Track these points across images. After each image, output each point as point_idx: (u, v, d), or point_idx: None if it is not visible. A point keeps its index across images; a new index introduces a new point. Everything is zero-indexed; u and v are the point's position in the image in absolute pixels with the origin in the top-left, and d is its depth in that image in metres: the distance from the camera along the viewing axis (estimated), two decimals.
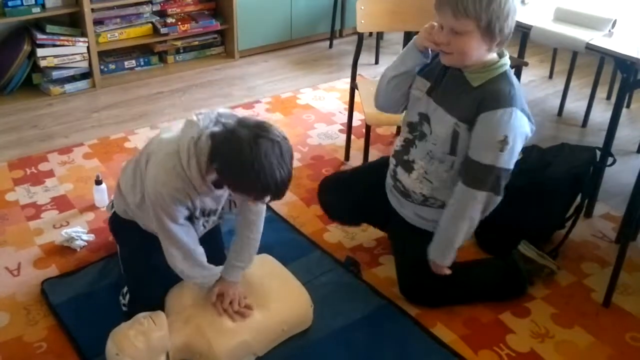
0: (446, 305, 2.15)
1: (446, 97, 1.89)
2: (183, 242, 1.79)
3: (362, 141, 3.16)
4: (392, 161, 2.11)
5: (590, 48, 2.38)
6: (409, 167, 2.03)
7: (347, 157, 3.08)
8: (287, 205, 2.71)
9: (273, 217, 2.62)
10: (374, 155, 3.06)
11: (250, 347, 1.88)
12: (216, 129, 1.61)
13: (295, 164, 2.97)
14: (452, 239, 1.95)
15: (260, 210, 1.96)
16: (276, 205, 2.69)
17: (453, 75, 1.87)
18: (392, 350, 1.99)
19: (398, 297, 2.20)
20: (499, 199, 1.87)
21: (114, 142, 3.20)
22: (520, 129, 1.78)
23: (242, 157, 1.50)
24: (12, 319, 2.09)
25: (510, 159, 1.79)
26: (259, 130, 1.52)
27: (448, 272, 2.02)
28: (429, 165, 1.96)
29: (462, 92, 1.84)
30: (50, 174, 2.92)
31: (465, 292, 2.14)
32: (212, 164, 1.61)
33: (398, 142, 2.09)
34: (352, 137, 3.09)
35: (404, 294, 2.17)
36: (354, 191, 2.26)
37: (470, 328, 2.08)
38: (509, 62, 1.84)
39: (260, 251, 2.22)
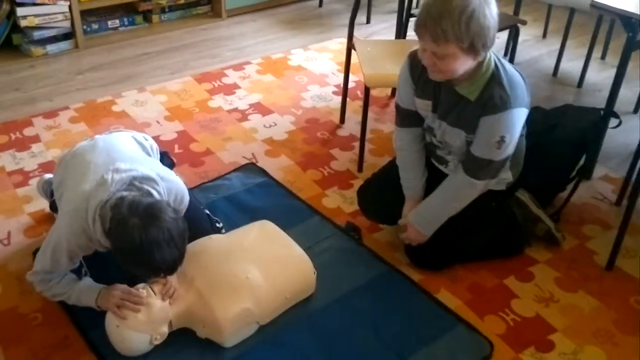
0: (450, 263, 2.11)
1: (449, 113, 1.88)
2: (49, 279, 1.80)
3: (356, 103, 3.10)
4: (427, 145, 2.08)
5: (595, 6, 2.30)
6: (443, 161, 2.05)
7: (342, 120, 2.99)
8: (282, 170, 2.63)
9: (269, 182, 2.55)
10: (370, 117, 2.98)
11: (253, 315, 1.83)
12: (125, 195, 1.63)
13: (289, 127, 2.93)
14: (441, 215, 2.00)
15: None
16: (272, 170, 2.61)
17: (447, 91, 1.85)
18: (397, 316, 1.96)
19: (401, 263, 2.16)
20: (494, 180, 1.94)
21: (101, 105, 3.08)
22: (518, 121, 1.81)
23: (132, 246, 1.55)
24: (4, 290, 2.01)
25: (508, 150, 1.85)
26: (148, 219, 1.55)
27: (423, 240, 2.04)
28: (459, 160, 1.98)
29: (462, 109, 1.84)
30: (36, 139, 2.80)
31: (467, 248, 2.11)
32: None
33: (426, 138, 2.06)
34: (348, 98, 3.00)
35: (409, 255, 2.13)
36: (394, 192, 2.14)
37: (475, 293, 2.05)
38: (493, 58, 1.79)
39: (258, 217, 2.17)
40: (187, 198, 1.89)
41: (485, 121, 1.79)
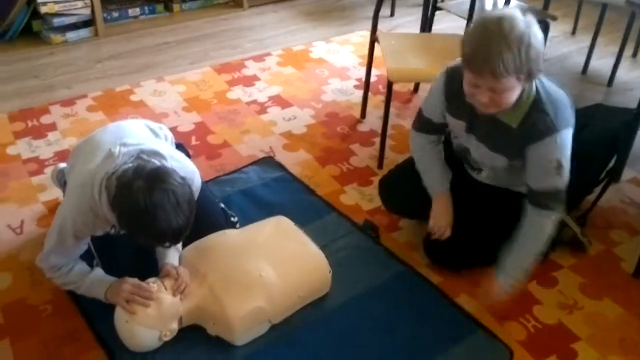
0: (471, 265, 2.05)
1: (488, 137, 1.82)
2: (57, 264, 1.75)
3: (378, 98, 3.03)
4: (457, 151, 2.01)
5: (631, 1, 2.21)
6: (476, 167, 1.99)
7: (363, 115, 2.93)
8: (300, 164, 2.58)
9: (286, 177, 2.50)
10: (391, 113, 2.92)
11: (265, 314, 1.79)
12: (130, 166, 1.57)
13: (309, 120, 2.88)
14: (528, 263, 1.84)
15: None
16: (289, 164, 2.57)
17: (486, 116, 1.75)
18: (414, 319, 1.90)
19: (419, 263, 2.10)
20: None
21: (119, 94, 3.05)
22: (568, 142, 1.72)
23: (136, 209, 1.48)
24: (15, 280, 1.99)
25: (567, 173, 1.75)
26: (153, 181, 1.49)
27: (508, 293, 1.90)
28: (495, 171, 1.92)
29: (503, 134, 1.76)
30: (52, 127, 2.78)
31: (491, 249, 2.02)
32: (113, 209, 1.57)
33: (454, 142, 1.99)
34: (369, 93, 2.94)
35: (428, 253, 2.08)
36: (417, 184, 2.06)
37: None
38: (534, 84, 1.69)
39: (274, 212, 2.12)
40: (197, 180, 1.82)
41: (533, 150, 1.72)
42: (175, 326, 1.75)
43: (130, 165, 1.58)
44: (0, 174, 2.47)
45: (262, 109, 2.97)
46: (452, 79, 1.82)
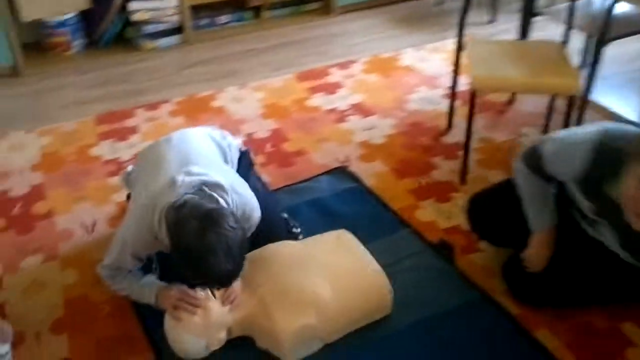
0: (558, 305, 1.87)
1: (622, 231, 1.61)
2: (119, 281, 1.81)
3: (467, 109, 2.87)
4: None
5: None
6: (592, 225, 1.77)
7: (449, 126, 2.79)
8: (375, 176, 2.49)
9: (359, 189, 2.41)
10: (481, 124, 2.76)
11: (316, 332, 1.71)
12: (190, 199, 1.59)
13: (390, 130, 2.79)
14: None
15: None
16: (364, 175, 2.48)
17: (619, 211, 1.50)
18: (484, 352, 1.75)
19: (497, 291, 1.94)
20: None
21: (201, 99, 3.11)
22: None
23: (186, 249, 1.51)
24: (80, 277, 2.05)
25: None
26: (207, 224, 1.50)
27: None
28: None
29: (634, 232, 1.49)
30: (134, 130, 2.87)
31: (585, 290, 1.83)
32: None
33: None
34: (458, 102, 2.79)
35: (509, 284, 1.92)
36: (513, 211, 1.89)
37: (581, 335, 1.79)
38: None
39: (339, 225, 2.04)
40: (256, 215, 1.81)
41: None
42: (223, 336, 1.71)
43: (191, 197, 1.60)
44: (82, 173, 2.57)
45: (342, 117, 2.91)
46: (604, 158, 1.51)
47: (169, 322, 1.70)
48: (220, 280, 1.56)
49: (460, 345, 1.77)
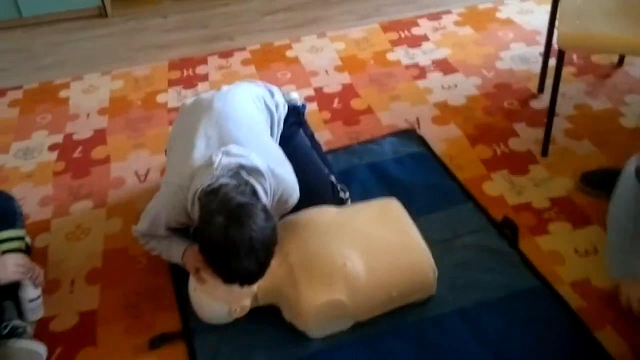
0: None
1: None
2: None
3: (568, 70, 2.60)
4: None
5: None
6: None
7: (540, 89, 2.52)
8: (446, 141, 2.31)
9: (425, 154, 2.25)
10: (579, 89, 2.48)
11: (346, 309, 1.61)
12: (226, 182, 1.54)
13: (472, 91, 2.57)
14: None
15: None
16: (434, 139, 2.31)
17: None
18: (534, 349, 1.57)
19: (561, 281, 1.74)
20: None
21: (276, 49, 3.02)
22: None
23: (209, 243, 1.49)
24: (123, 227, 2.08)
25: None
26: (234, 220, 1.45)
27: None
28: None
29: None
30: (205, 77, 2.86)
31: None
32: None
33: None
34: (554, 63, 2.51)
35: None
36: None
37: None
38: None
39: (397, 192, 1.92)
40: (295, 196, 1.73)
41: None
42: (247, 303, 1.66)
43: (226, 181, 1.54)
44: (143, 119, 2.59)
45: (421, 73, 2.72)
46: None
47: (191, 284, 1.67)
48: (241, 279, 1.50)
49: (506, 339, 1.61)
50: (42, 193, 2.24)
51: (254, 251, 1.45)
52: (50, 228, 2.10)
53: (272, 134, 1.90)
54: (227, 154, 1.60)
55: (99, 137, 2.52)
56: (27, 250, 1.87)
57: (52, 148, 2.46)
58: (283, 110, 1.96)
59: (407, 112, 2.48)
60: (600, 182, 1.96)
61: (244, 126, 1.75)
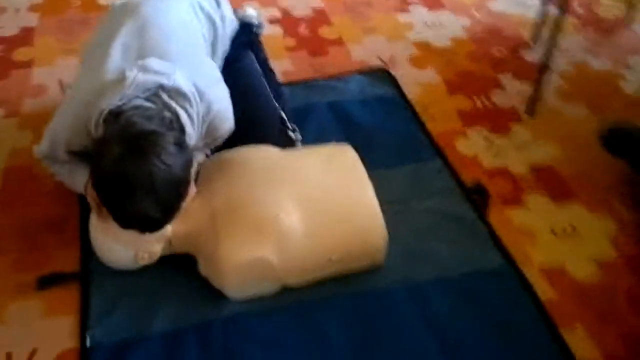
0: None
1: None
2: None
3: (569, 20, 2.30)
4: None
5: None
6: None
7: (535, 38, 2.25)
8: (421, 86, 2.04)
9: (396, 99, 1.99)
10: (579, 44, 2.23)
11: (273, 270, 1.37)
12: (138, 104, 1.27)
13: (458, 32, 2.27)
14: None
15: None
16: (408, 83, 2.04)
17: None
18: (488, 340, 1.35)
19: (530, 262, 1.52)
20: None
21: None
22: None
23: (101, 177, 1.22)
24: (34, 142, 1.74)
25: None
26: (131, 152, 1.17)
27: None
28: None
29: None
30: None
31: None
32: None
33: None
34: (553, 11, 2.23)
35: None
36: None
37: (628, 346, 1.35)
38: None
39: (357, 139, 1.66)
40: (228, 125, 1.48)
41: None
42: (156, 249, 1.40)
43: (138, 102, 1.27)
44: (80, 22, 2.28)
45: (403, 5, 2.43)
46: None
47: (92, 221, 1.40)
48: (140, 225, 1.24)
49: (459, 324, 1.38)
50: None
51: (153, 191, 1.17)
52: None
53: (214, 52, 1.61)
54: (144, 69, 1.31)
55: (26, 36, 2.21)
56: None
57: None
58: (230, 26, 1.66)
59: (382, 48, 2.20)
60: (620, 145, 1.72)
61: (174, 37, 1.44)
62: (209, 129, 1.42)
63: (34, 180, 1.68)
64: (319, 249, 1.39)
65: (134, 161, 1.17)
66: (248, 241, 1.35)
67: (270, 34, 2.21)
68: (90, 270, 1.46)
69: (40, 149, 1.49)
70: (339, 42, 2.22)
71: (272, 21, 2.29)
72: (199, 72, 1.41)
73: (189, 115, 1.34)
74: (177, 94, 1.32)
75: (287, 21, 2.31)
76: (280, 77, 1.95)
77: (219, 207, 1.39)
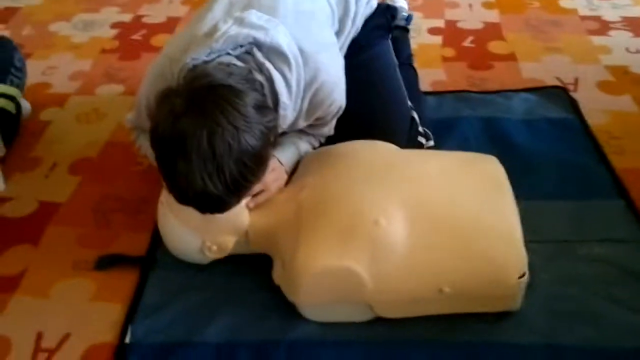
0: None
1: None
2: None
3: None
4: None
5: None
6: None
7: None
8: (611, 114, 1.65)
9: (572, 123, 1.60)
10: None
11: (361, 288, 1.04)
12: (226, 60, 1.06)
13: None
14: None
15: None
16: (592, 107, 1.65)
17: None
18: None
19: None
20: None
21: None
22: None
23: (158, 135, 0.98)
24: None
25: None
26: (192, 105, 0.94)
27: None
28: None
29: None
30: None
31: None
32: None
33: None
34: None
35: None
36: None
37: None
38: None
39: (510, 160, 1.26)
40: (338, 100, 1.21)
41: None
42: (227, 241, 1.15)
43: (226, 59, 1.07)
44: None
45: (602, 29, 2.02)
46: None
47: (161, 204, 1.19)
48: (196, 199, 0.98)
49: None
50: (78, 67, 1.91)
51: (212, 157, 0.92)
52: (65, 104, 1.74)
53: (340, 30, 1.35)
54: (240, 22, 1.11)
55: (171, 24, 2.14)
56: (14, 116, 1.54)
57: (114, 26, 2.14)
58: (366, 6, 1.41)
59: (565, 69, 1.81)
60: None
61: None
62: (314, 101, 1.16)
63: (128, 158, 1.54)
64: (426, 273, 1.04)
65: (193, 117, 0.93)
66: (334, 247, 1.04)
67: (426, 42, 1.94)
68: (155, 259, 1.25)
69: (128, 117, 1.35)
70: (509, 57, 1.87)
71: (433, 32, 2.01)
72: (309, 35, 1.16)
73: (287, 82, 1.09)
74: (275, 52, 1.09)
75: (450, 32, 2.02)
76: (427, 87, 1.66)
77: (307, 203, 1.11)
